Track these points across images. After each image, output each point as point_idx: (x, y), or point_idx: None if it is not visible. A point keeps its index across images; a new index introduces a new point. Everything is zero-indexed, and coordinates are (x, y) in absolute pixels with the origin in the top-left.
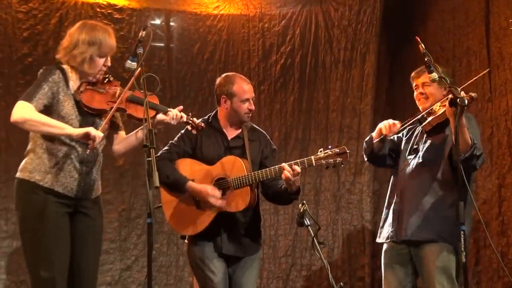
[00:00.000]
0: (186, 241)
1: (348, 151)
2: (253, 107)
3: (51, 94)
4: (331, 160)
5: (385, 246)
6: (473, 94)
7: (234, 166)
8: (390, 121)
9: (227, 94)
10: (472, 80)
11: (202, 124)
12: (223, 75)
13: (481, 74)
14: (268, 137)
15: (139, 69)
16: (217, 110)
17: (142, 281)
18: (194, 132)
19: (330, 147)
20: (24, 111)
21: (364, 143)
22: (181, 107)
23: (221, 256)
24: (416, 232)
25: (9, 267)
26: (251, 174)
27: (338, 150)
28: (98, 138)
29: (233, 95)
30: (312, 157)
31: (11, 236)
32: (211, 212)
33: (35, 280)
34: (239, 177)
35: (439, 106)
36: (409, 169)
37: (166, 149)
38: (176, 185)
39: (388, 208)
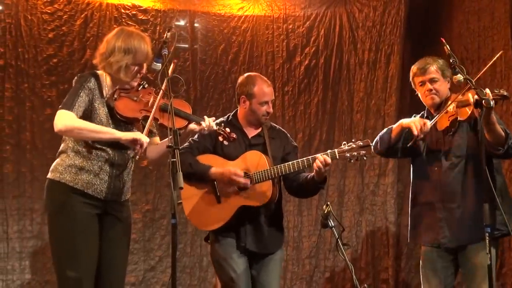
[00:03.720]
0: (209, 241)
1: (371, 144)
2: (271, 110)
3: (88, 101)
4: (355, 153)
5: (425, 247)
6: (505, 92)
7: (256, 161)
8: (421, 121)
9: (247, 95)
10: (488, 66)
11: (234, 135)
12: (245, 74)
13: (497, 55)
14: (288, 135)
15: (166, 77)
16: (237, 109)
17: (166, 282)
18: (225, 143)
19: (353, 140)
20: (68, 120)
21: (379, 138)
22: (214, 118)
23: (244, 254)
24: (467, 236)
25: (34, 266)
26: (273, 168)
27: (361, 143)
28: (145, 144)
29: (253, 96)
30: (336, 150)
31: (36, 236)
32: (232, 207)
33: (62, 280)
34: (261, 171)
35: (456, 107)
36: (440, 172)
37: (187, 145)
38: (198, 174)
39: (420, 208)
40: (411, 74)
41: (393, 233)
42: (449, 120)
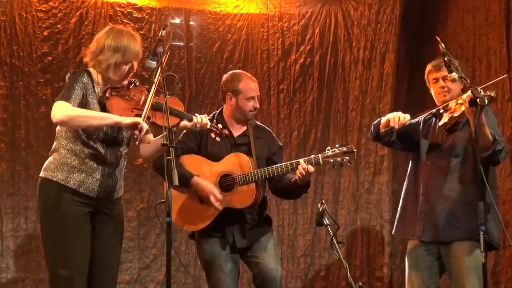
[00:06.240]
0: (194, 239)
1: (355, 150)
2: (258, 105)
3: (82, 96)
4: (339, 159)
5: (410, 245)
6: (492, 94)
7: (240, 163)
8: (400, 113)
9: (232, 91)
10: (490, 83)
11: (226, 132)
12: (230, 72)
13: (500, 77)
14: (274, 134)
15: (161, 74)
16: (222, 108)
17: (161, 280)
18: (218, 139)
19: (337, 145)
20: (66, 110)
21: (372, 126)
22: (206, 115)
23: (232, 252)
24: (448, 232)
25: (28, 265)
26: (257, 171)
27: (345, 149)
28: (144, 129)
29: (239, 92)
30: (320, 155)
31: (30, 235)
32: (216, 207)
33: (54, 278)
34: (245, 174)
35: (455, 104)
36: (431, 168)
37: None
38: (181, 181)
39: (407, 201)
40: (426, 71)
41: (388, 231)
42: (448, 117)
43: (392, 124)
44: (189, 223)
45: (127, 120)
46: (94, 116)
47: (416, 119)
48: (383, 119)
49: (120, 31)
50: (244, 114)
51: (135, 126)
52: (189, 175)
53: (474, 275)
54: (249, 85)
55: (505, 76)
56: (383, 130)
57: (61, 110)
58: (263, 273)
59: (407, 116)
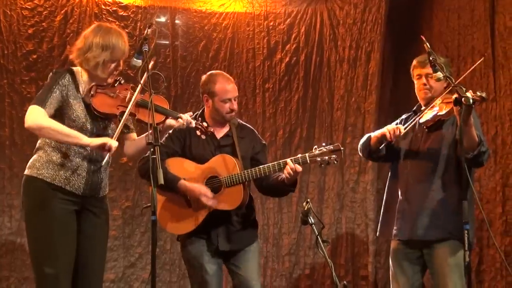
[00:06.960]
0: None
1: (342, 148)
2: (235, 107)
3: (61, 98)
4: (326, 158)
5: (393, 245)
6: (483, 95)
7: (226, 164)
8: (394, 126)
9: (208, 93)
10: (470, 70)
11: (211, 129)
12: (208, 73)
13: (478, 63)
14: (257, 133)
15: (147, 73)
16: (203, 109)
17: (146, 279)
18: (203, 137)
19: (324, 144)
20: (39, 118)
21: (360, 145)
22: (191, 113)
23: (216, 255)
24: (427, 232)
25: (13, 263)
26: (244, 172)
27: (332, 148)
28: (113, 148)
29: (214, 94)
30: (307, 154)
31: (15, 233)
32: (203, 211)
33: (39, 277)
34: (232, 176)
35: (441, 102)
36: (412, 166)
37: None
38: (167, 185)
39: (390, 203)
40: (411, 65)
41: (373, 230)
42: (431, 114)
43: (388, 138)
44: (177, 227)
45: (94, 142)
46: (63, 132)
47: (408, 128)
48: (372, 135)
49: (108, 29)
50: (221, 116)
51: (102, 147)
52: (175, 179)
53: (456, 274)
54: (225, 87)
55: (481, 60)
56: (375, 145)
57: (34, 117)
58: (243, 286)
59: (401, 128)
